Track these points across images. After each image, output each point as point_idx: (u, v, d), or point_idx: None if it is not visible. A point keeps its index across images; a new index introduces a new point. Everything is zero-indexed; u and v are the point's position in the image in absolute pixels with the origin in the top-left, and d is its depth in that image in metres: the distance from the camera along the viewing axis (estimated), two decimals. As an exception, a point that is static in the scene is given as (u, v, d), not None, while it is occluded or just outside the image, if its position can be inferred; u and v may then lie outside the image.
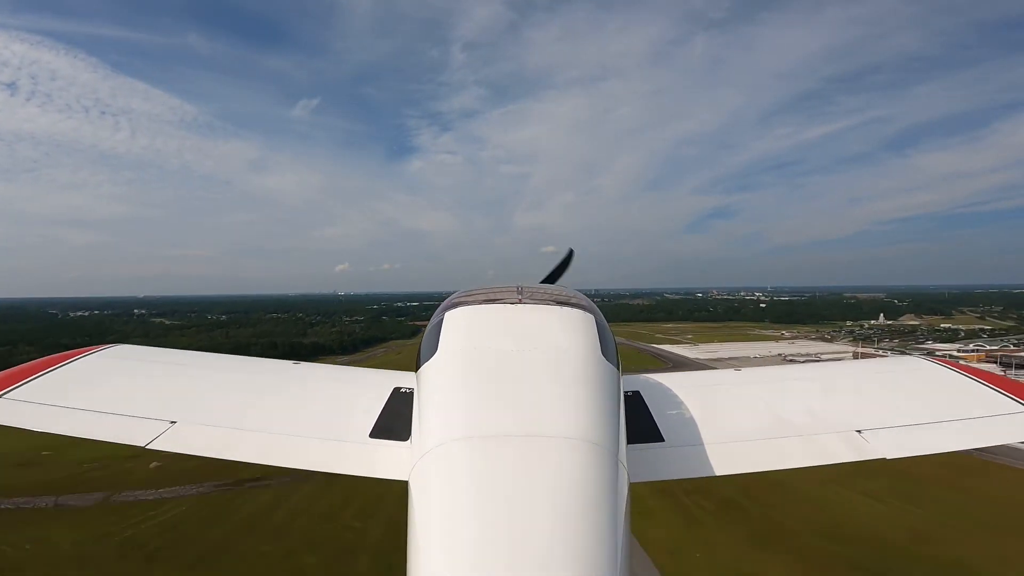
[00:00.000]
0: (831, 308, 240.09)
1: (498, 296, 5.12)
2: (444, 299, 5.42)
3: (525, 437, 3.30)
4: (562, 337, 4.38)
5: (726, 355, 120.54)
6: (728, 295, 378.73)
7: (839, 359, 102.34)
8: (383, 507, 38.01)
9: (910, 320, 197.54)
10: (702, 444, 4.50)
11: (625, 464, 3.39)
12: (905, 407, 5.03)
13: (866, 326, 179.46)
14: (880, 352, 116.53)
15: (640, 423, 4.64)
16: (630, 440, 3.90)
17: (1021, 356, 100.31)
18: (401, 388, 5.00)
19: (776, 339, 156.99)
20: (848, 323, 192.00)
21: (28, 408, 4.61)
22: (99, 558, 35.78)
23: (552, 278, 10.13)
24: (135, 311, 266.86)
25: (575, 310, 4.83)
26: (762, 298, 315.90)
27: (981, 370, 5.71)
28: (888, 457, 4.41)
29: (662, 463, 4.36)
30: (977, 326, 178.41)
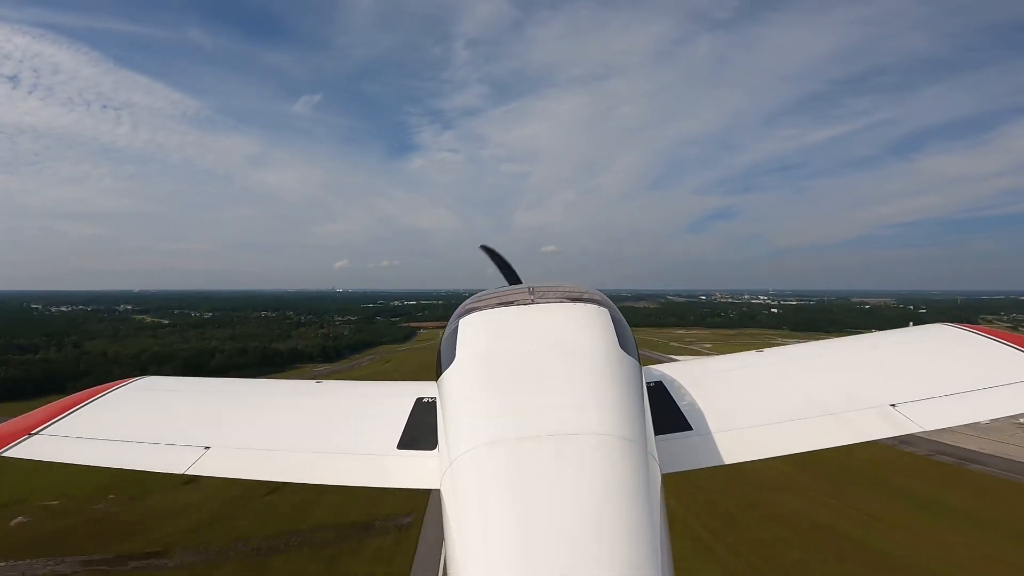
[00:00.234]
0: (849, 314, 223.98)
1: (510, 298, 5.11)
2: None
3: (553, 436, 3.25)
4: (579, 333, 4.35)
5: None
6: (733, 298, 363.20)
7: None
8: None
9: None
10: (732, 430, 4.36)
11: (656, 456, 3.34)
12: (939, 377, 4.73)
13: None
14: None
15: (666, 414, 4.53)
16: (657, 431, 3.81)
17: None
18: (423, 398, 4.99)
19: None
20: (875, 332, 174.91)
21: (69, 443, 4.72)
22: None
23: (512, 278, 9.34)
24: (120, 307, 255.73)
25: (589, 305, 4.76)
26: (770, 302, 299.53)
27: (1012, 334, 5.36)
28: (926, 429, 4.21)
29: (692, 452, 4.24)
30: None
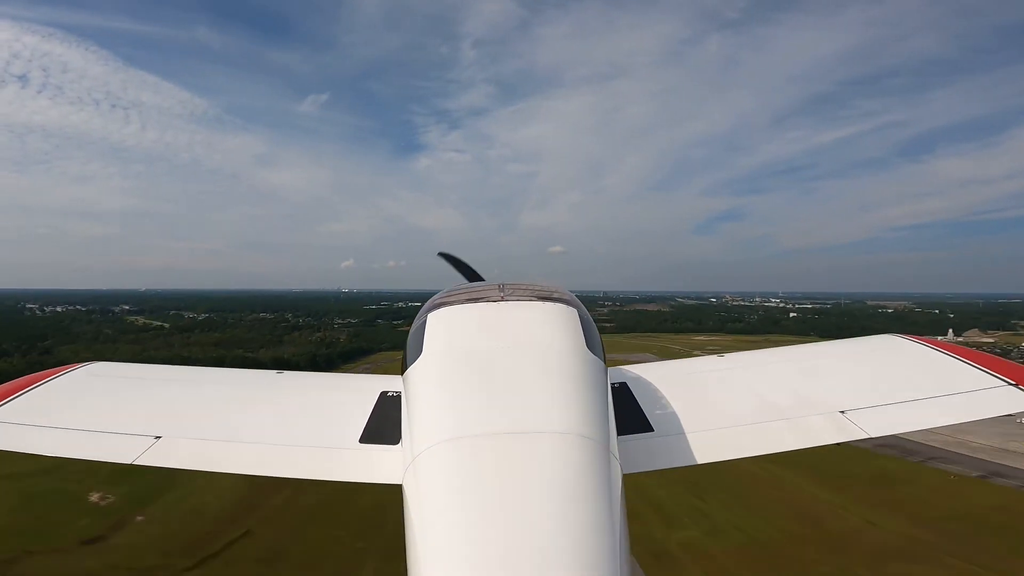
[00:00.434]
0: (874, 319, 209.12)
1: (480, 295, 5.03)
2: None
3: (515, 434, 3.24)
4: (546, 332, 4.34)
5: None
6: (744, 300, 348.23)
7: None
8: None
9: (977, 337, 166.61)
10: (691, 432, 4.42)
11: (617, 456, 3.35)
12: (887, 385, 4.90)
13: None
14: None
15: (629, 414, 4.54)
16: (620, 432, 3.84)
17: None
18: (388, 392, 4.84)
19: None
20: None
21: (9, 429, 4.44)
22: None
23: (474, 279, 8.69)
24: (118, 307, 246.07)
25: (558, 304, 4.74)
26: (784, 305, 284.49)
27: (959, 347, 5.57)
28: (872, 435, 4.33)
29: (653, 453, 4.28)
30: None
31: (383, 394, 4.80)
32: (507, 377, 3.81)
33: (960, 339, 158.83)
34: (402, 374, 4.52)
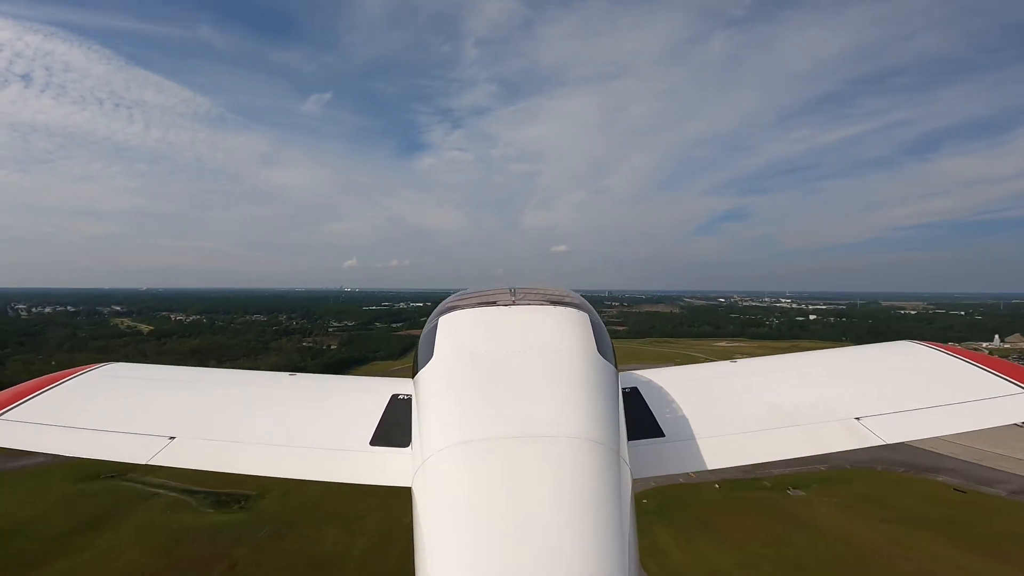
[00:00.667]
0: (904, 323, 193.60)
1: (492, 298, 5.06)
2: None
3: (526, 438, 3.23)
4: (557, 336, 4.32)
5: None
6: (754, 301, 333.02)
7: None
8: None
9: (1019, 342, 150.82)
10: (703, 438, 4.39)
11: (627, 461, 3.34)
12: (903, 392, 4.85)
13: (987, 349, 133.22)
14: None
15: (640, 419, 4.53)
16: (630, 437, 3.82)
17: None
18: (399, 395, 4.87)
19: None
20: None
21: (27, 429, 4.48)
22: None
23: None
24: (108, 308, 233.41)
25: (569, 309, 4.73)
26: (798, 305, 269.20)
27: (977, 353, 5.52)
28: (888, 442, 4.29)
29: (663, 458, 4.26)
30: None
31: (394, 397, 4.80)
32: (518, 381, 3.76)
33: (1007, 344, 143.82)
34: (413, 377, 4.49)
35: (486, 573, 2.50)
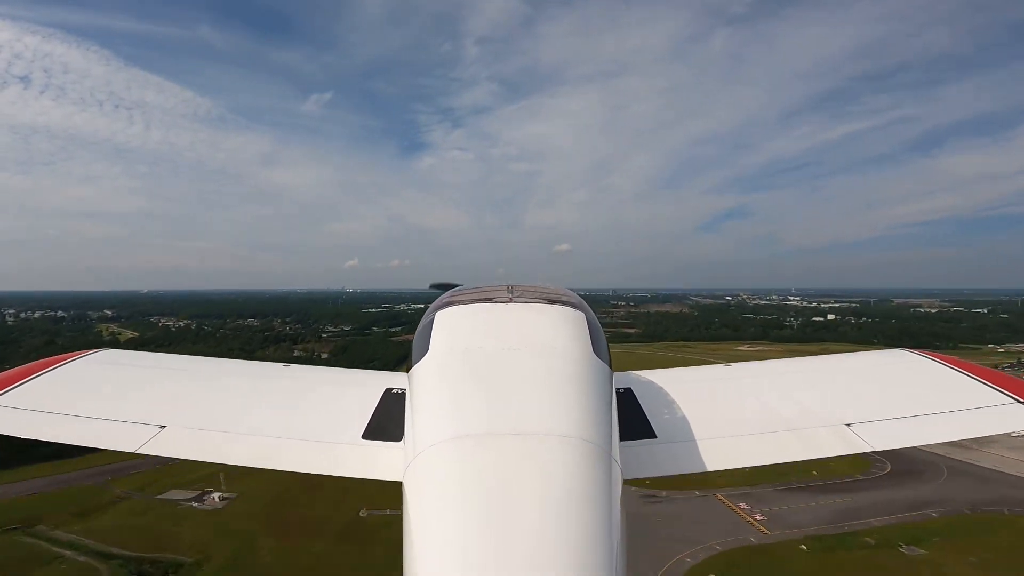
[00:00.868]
0: (928, 322, 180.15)
1: (488, 295, 4.97)
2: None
3: (517, 436, 3.20)
4: (553, 335, 4.26)
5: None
6: (761, 299, 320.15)
7: None
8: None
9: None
10: (694, 440, 4.37)
11: (618, 461, 3.32)
12: (893, 400, 4.86)
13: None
14: None
15: (632, 420, 4.49)
16: (623, 437, 3.80)
17: None
18: (393, 389, 4.81)
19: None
20: (994, 347, 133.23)
21: (13, 415, 4.38)
22: None
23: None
24: (99, 312, 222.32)
25: (566, 308, 4.67)
26: (812, 305, 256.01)
27: (969, 363, 5.45)
28: (877, 449, 4.32)
29: (655, 459, 4.23)
30: None
31: (388, 391, 4.74)
32: (511, 379, 3.73)
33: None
34: (407, 371, 4.43)
35: (474, 569, 2.51)
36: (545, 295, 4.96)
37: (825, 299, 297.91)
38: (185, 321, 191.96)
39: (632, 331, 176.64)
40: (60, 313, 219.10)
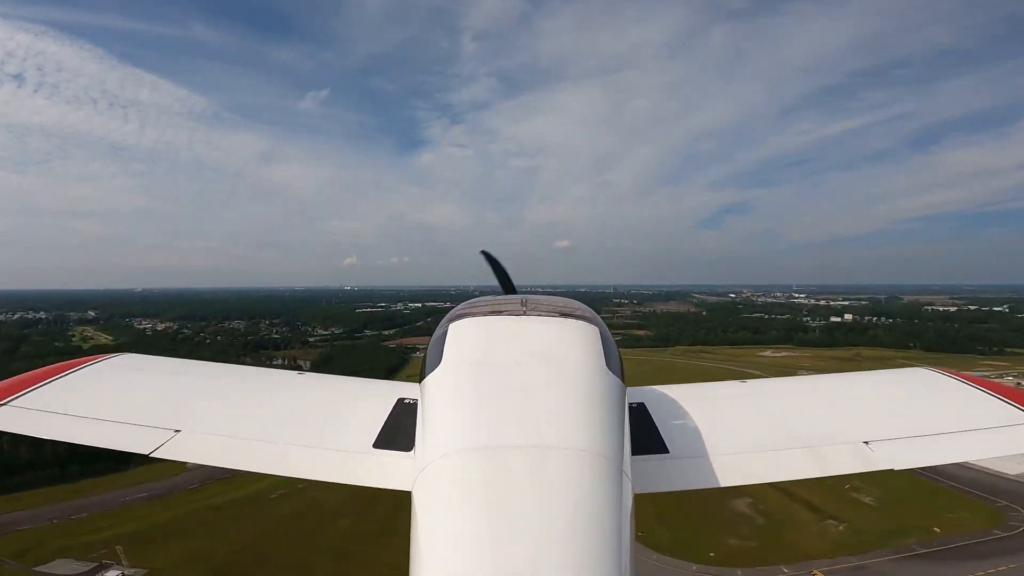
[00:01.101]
0: (963, 324, 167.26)
1: (502, 308, 4.94)
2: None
3: (528, 448, 3.18)
4: (566, 349, 4.23)
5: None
6: (765, 295, 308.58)
7: None
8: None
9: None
10: (707, 456, 4.30)
11: (629, 475, 3.29)
12: (912, 418, 4.77)
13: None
14: None
15: (645, 435, 4.43)
16: (635, 451, 3.80)
17: None
18: (405, 399, 4.76)
19: None
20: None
21: (33, 416, 4.44)
22: None
23: (507, 287, 8.64)
24: (80, 314, 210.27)
25: (579, 322, 4.61)
26: (820, 303, 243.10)
27: (989, 381, 5.40)
28: (895, 468, 4.23)
29: (666, 474, 4.19)
30: None
31: (400, 400, 4.70)
32: (523, 391, 3.69)
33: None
34: (420, 381, 4.41)
35: None
36: (559, 308, 4.84)
37: (829, 295, 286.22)
38: (166, 324, 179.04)
39: (643, 333, 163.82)
40: (40, 314, 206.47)
